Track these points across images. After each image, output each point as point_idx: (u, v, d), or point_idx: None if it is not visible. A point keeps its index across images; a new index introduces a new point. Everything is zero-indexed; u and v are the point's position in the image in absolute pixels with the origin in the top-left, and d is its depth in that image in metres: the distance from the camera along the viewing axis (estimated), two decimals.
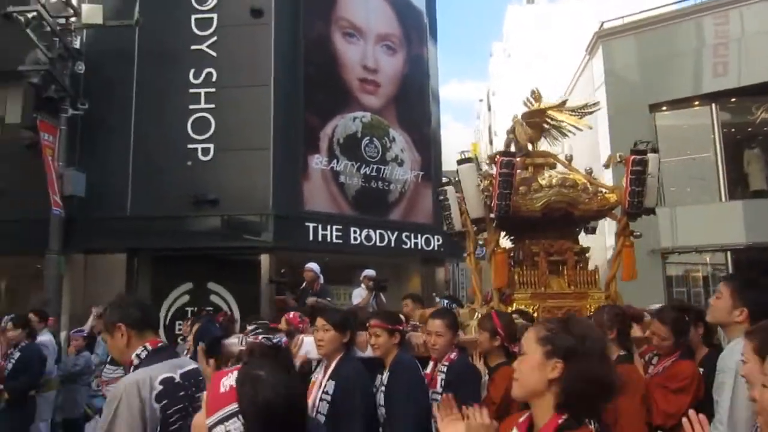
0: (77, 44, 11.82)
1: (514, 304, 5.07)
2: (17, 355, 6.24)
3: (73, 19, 11.47)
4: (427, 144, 14.72)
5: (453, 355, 3.81)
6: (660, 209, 14.56)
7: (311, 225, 12.07)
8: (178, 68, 12.17)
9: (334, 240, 12.27)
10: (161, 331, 11.46)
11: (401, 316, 4.23)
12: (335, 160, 12.83)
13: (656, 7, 16.36)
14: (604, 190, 5.19)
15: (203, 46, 12.23)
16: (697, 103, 15.15)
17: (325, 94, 13.06)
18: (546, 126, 5.46)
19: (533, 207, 4.96)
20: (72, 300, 11.64)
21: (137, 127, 12.15)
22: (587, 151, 19.99)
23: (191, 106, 12.06)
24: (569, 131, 5.54)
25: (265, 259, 11.77)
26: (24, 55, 11.12)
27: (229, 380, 1.57)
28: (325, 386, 3.47)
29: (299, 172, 12.34)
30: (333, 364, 3.60)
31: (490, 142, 42.97)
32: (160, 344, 2.68)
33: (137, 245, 11.97)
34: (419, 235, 13.71)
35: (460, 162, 5.15)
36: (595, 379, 1.71)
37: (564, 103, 5.41)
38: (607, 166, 5.31)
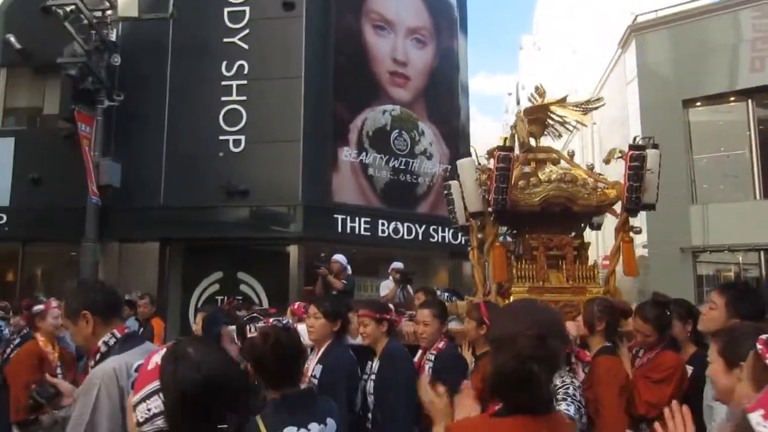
0: (113, 37, 12.07)
1: (511, 298, 5.08)
2: (17, 341, 6.38)
3: (109, 12, 11.70)
4: (456, 137, 14.70)
5: (441, 345, 3.99)
6: (692, 207, 14.46)
7: (340, 217, 12.18)
8: (210, 61, 12.34)
9: (362, 232, 12.37)
10: (191, 319, 11.74)
11: (390, 305, 4.33)
12: (364, 153, 12.90)
13: (692, 0, 16.08)
14: (604, 186, 5.19)
15: (235, 39, 12.37)
16: (732, 99, 14.89)
17: (354, 86, 13.13)
18: (549, 122, 5.47)
19: (531, 202, 4.99)
20: None
21: (170, 119, 12.37)
22: (619, 147, 19.76)
23: (223, 98, 12.22)
24: (574, 127, 5.54)
25: (293, 250, 11.91)
26: (62, 47, 11.40)
27: (157, 357, 1.51)
28: (313, 370, 3.65)
29: (328, 164, 12.44)
30: (322, 350, 3.80)
31: None
32: (127, 331, 2.60)
33: (169, 234, 12.21)
34: (446, 229, 13.70)
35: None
36: (501, 371, 1.70)
37: (564, 99, 5.39)
38: (607, 161, 5.32)
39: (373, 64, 13.56)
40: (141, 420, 1.44)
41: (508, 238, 6.01)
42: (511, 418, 1.70)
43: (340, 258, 9.07)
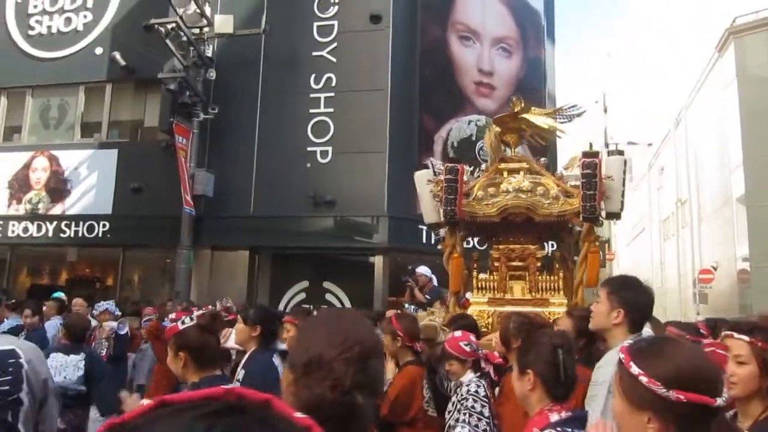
0: (209, 53, 12.61)
1: (469, 309, 5.06)
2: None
3: (206, 29, 12.23)
4: (542, 147, 14.39)
5: None
6: None
7: (424, 228, 12.15)
8: (300, 74, 12.67)
9: None
10: None
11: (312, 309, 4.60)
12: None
13: None
14: (567, 195, 4.99)
15: (324, 53, 12.64)
16: None
17: (440, 97, 13.14)
18: (523, 131, 5.40)
19: (489, 212, 4.94)
20: (199, 292, 12.40)
21: (261, 131, 12.77)
22: (715, 155, 18.86)
23: (311, 110, 12.50)
24: (556, 135, 5.52)
25: (378, 260, 12.01)
26: (162, 63, 12.03)
27: None
28: (238, 374, 3.93)
29: (413, 175, 12.45)
30: (247, 355, 4.06)
31: (606, 146, 41.38)
32: None
33: (258, 243, 12.58)
34: None
35: (416, 169, 5.42)
36: (318, 404, 1.37)
37: (528, 108, 5.30)
38: (567, 168, 5.18)
39: (459, 74, 13.53)
40: None
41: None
42: None
43: (425, 270, 9.09)
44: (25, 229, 13.97)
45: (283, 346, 4.38)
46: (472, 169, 5.40)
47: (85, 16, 14.53)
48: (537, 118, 5.33)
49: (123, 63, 13.38)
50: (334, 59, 12.62)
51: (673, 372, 1.38)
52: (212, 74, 12.42)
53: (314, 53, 12.69)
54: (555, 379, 2.16)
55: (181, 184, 11.86)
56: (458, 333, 3.75)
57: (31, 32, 14.80)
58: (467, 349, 3.57)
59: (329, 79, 12.54)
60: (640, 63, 32.48)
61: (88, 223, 13.51)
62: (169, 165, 12.27)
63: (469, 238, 7.20)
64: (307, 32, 12.76)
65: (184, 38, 11.75)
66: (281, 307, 12.31)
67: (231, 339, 4.55)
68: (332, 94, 12.48)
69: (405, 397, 3.71)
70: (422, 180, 5.33)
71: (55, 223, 13.81)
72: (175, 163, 11.96)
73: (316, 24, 12.76)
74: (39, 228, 13.89)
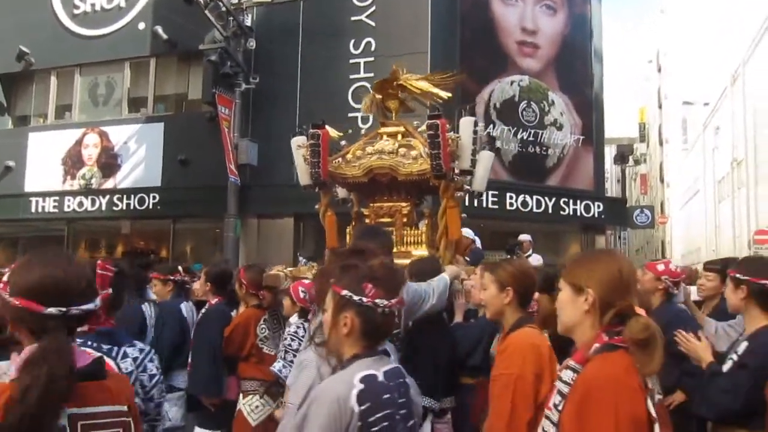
0: (248, 22, 12.67)
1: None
2: None
3: None
4: (589, 107, 14.06)
5: (214, 301, 4.72)
6: None
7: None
8: (339, 40, 12.60)
9: (490, 206, 12.18)
10: None
11: (179, 268, 5.46)
12: (491, 125, 12.66)
13: None
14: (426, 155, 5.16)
15: (362, 17, 12.53)
16: None
17: (481, 58, 12.88)
18: (402, 95, 5.63)
19: (356, 173, 5.28)
20: (247, 259, 12.63)
21: (302, 98, 12.78)
22: None
23: (351, 76, 12.45)
24: (435, 99, 5.68)
25: (421, 224, 11.96)
26: (203, 35, 12.16)
27: None
28: None
29: None
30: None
31: (659, 107, 40.04)
32: None
33: (302, 210, 12.68)
34: (578, 202, 13.23)
35: (293, 135, 5.72)
36: None
37: (398, 74, 5.51)
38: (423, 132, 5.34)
39: (501, 34, 13.24)
40: None
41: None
42: None
43: (468, 232, 9.06)
44: (80, 204, 14.46)
45: (153, 297, 5.07)
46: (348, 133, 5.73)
47: None
48: (414, 83, 5.54)
49: (165, 37, 13.57)
50: (372, 23, 12.51)
51: None
52: (252, 44, 12.50)
53: (353, 18, 12.59)
54: None
55: (225, 155, 12.04)
56: (306, 281, 4.11)
57: (76, 11, 15.09)
58: (301, 295, 3.90)
59: (368, 43, 12.46)
60: (695, 18, 31.11)
61: (138, 196, 13.88)
62: (214, 136, 12.46)
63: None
64: None
65: (223, 8, 11.83)
66: None
67: None
68: (372, 59, 12.38)
69: (238, 334, 4.34)
70: (295, 145, 5.62)
71: (108, 197, 14.24)
72: (220, 134, 12.13)
73: None
74: (93, 202, 14.37)
